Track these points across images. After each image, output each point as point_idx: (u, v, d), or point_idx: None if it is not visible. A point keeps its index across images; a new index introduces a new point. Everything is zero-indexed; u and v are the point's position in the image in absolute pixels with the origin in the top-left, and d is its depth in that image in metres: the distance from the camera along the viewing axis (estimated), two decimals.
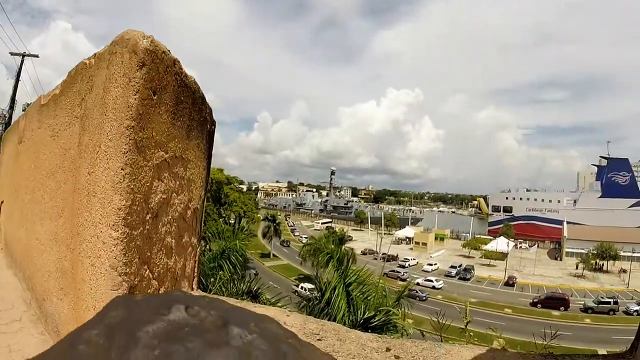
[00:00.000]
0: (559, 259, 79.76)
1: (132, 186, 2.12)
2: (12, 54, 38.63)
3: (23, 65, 39.70)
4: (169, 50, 2.34)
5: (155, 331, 0.76)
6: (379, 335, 2.93)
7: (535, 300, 49.02)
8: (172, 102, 2.44)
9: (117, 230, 2.07)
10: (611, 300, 46.75)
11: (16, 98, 40.02)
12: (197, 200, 3.02)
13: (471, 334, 4.99)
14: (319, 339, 2.71)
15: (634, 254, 68.58)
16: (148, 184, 2.27)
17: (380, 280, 13.12)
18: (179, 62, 2.44)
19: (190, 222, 2.95)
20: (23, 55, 39.25)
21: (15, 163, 5.65)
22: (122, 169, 2.06)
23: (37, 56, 41.17)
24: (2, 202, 7.40)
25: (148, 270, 2.36)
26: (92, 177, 2.25)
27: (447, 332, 5.18)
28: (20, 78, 39.70)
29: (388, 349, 2.61)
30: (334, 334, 2.83)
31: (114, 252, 2.08)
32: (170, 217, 2.58)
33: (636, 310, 44.31)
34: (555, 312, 45.30)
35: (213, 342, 0.75)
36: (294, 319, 3.02)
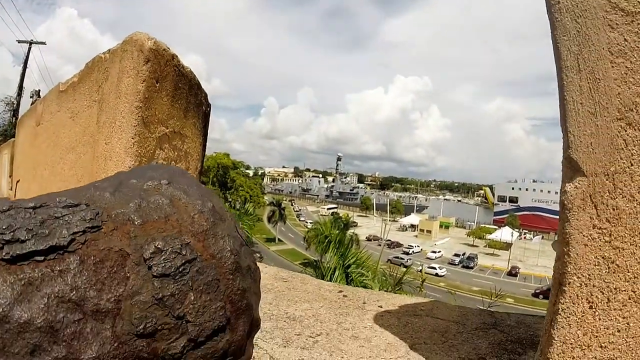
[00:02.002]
0: None
1: (139, 151, 2.78)
2: (19, 41, 39.07)
3: (30, 53, 40.16)
4: (168, 48, 2.97)
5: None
6: (337, 283, 3.57)
7: (537, 290, 49.44)
8: (171, 88, 3.07)
9: None
10: None
11: (24, 85, 40.59)
12: (193, 169, 3.63)
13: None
14: (284, 281, 3.35)
15: None
16: (152, 152, 2.91)
17: (380, 264, 13.39)
18: (177, 56, 3.09)
19: None
20: (30, 43, 39.72)
21: (32, 143, 6.14)
22: (132, 138, 2.74)
23: (44, 43, 41.47)
24: (18, 181, 8.02)
25: None
26: (109, 146, 2.89)
27: None
28: (27, 65, 40.21)
29: (340, 291, 3.24)
30: (299, 279, 3.47)
31: None
32: None
33: None
34: None
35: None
36: (269, 269, 3.67)
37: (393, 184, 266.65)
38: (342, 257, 12.03)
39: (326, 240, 13.35)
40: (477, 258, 67.26)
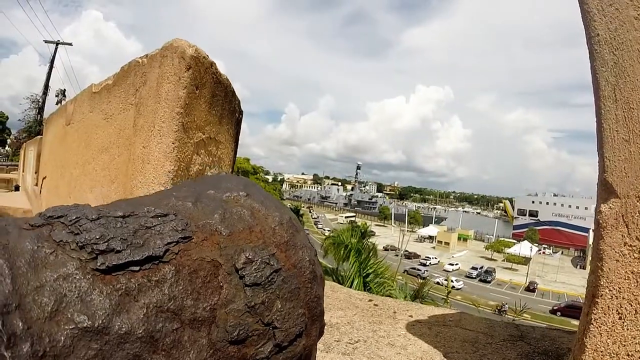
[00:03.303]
0: (582, 267, 78.24)
1: (178, 156, 2.84)
2: (46, 41, 39.98)
3: (56, 53, 41.02)
4: (207, 55, 3.04)
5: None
6: (365, 292, 3.60)
7: (555, 307, 48.61)
8: (209, 95, 3.14)
9: (166, 187, 2.79)
10: None
11: (49, 84, 41.43)
12: None
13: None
14: None
15: None
16: (189, 157, 2.98)
17: (399, 275, 13.33)
18: (215, 64, 3.15)
19: None
20: (57, 44, 40.56)
21: (62, 143, 6.23)
22: (172, 143, 2.80)
23: (70, 44, 42.35)
24: (44, 177, 8.22)
25: None
26: (147, 149, 2.97)
27: None
28: (53, 65, 41.06)
29: (370, 300, 3.28)
30: (329, 287, 3.51)
31: None
32: None
33: None
34: (575, 321, 44.66)
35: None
36: None
37: (412, 194, 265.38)
38: (361, 266, 12.04)
39: (346, 249, 13.32)
40: (494, 272, 66.40)
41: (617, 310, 1.75)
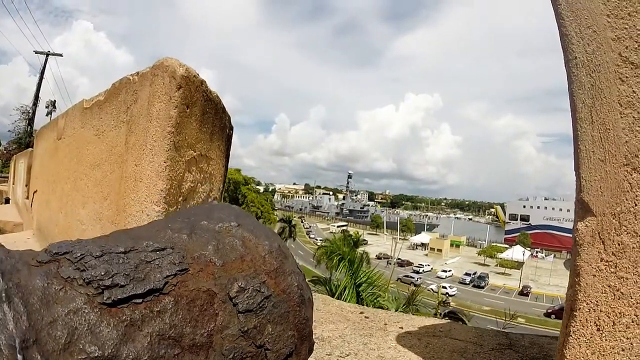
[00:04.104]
0: None
1: (170, 174, 2.88)
2: (36, 52, 39.79)
3: (47, 64, 40.78)
4: (198, 74, 3.09)
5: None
6: (357, 305, 3.65)
7: (549, 310, 48.77)
8: (199, 113, 3.19)
9: (159, 206, 2.83)
10: None
11: (39, 95, 41.20)
12: (216, 191, 3.75)
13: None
14: None
15: None
16: (181, 174, 3.02)
17: (392, 283, 13.30)
18: (205, 82, 3.20)
19: None
20: (47, 54, 40.42)
21: (53, 157, 6.23)
22: (164, 162, 2.84)
23: (61, 55, 42.10)
24: (35, 191, 8.19)
25: None
26: (139, 167, 3.00)
27: None
28: (43, 76, 40.83)
29: (361, 312, 3.34)
30: (321, 300, 3.56)
31: None
32: (195, 201, 3.30)
33: None
34: None
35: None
36: None
37: (404, 202, 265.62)
38: (353, 275, 12.04)
39: (337, 258, 13.33)
40: (488, 277, 66.50)
41: (595, 323, 1.82)
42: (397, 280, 49.14)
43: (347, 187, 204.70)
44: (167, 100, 2.89)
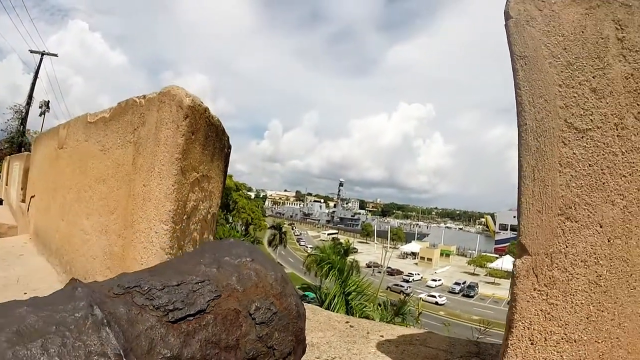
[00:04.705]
0: None
1: (177, 196, 3.18)
2: (31, 51, 39.53)
3: (41, 63, 40.56)
4: (202, 102, 3.36)
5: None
6: (344, 315, 3.99)
7: None
8: (203, 138, 3.46)
9: (167, 225, 3.14)
10: None
11: (33, 95, 41.00)
12: (215, 207, 4.05)
13: None
14: None
15: None
16: (186, 195, 3.31)
17: (382, 292, 13.44)
18: (208, 109, 3.47)
19: (209, 223, 3.96)
20: (42, 54, 40.22)
21: (53, 165, 6.35)
22: (172, 185, 3.14)
23: (56, 55, 41.68)
24: (33, 196, 8.16)
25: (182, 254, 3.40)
26: (147, 188, 3.29)
27: None
28: (38, 75, 40.64)
29: (347, 322, 3.67)
30: (310, 311, 3.88)
31: (164, 239, 3.15)
32: (197, 218, 3.61)
33: None
34: None
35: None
36: None
37: (394, 211, 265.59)
38: (342, 284, 12.26)
39: (327, 267, 13.54)
40: (477, 287, 66.67)
41: (529, 338, 2.15)
42: (387, 290, 49.38)
43: (338, 195, 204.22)
44: (175, 129, 3.16)
